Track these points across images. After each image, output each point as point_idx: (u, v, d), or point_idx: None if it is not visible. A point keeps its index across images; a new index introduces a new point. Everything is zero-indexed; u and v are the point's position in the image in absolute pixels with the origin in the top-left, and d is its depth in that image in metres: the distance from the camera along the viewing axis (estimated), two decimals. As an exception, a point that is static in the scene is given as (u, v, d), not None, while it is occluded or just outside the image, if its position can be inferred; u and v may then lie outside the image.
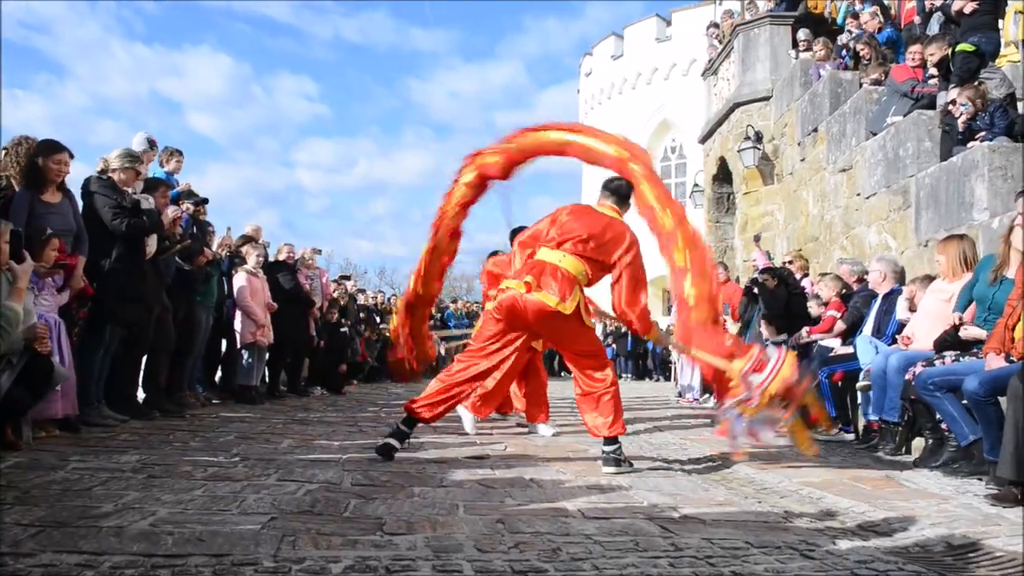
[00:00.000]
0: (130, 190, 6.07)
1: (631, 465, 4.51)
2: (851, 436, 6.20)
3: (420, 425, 4.65)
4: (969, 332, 4.65)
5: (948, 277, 5.26)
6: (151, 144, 7.28)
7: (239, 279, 8.48)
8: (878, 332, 6.05)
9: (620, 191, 4.83)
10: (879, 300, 6.24)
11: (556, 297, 4.36)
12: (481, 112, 78.98)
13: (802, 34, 11.49)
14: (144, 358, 6.58)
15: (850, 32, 10.73)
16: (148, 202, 6.18)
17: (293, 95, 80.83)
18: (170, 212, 6.57)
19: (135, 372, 6.51)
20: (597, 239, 4.54)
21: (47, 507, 2.97)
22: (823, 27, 11.79)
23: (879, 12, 9.92)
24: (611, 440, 4.48)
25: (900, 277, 6.42)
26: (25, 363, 4.14)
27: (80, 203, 5.73)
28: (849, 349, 6.27)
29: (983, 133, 6.21)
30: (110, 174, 5.95)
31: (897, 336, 5.57)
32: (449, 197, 5.65)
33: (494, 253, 7.19)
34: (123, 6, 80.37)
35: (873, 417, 5.58)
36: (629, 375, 21.68)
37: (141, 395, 6.72)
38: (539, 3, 77.46)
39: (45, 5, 74.43)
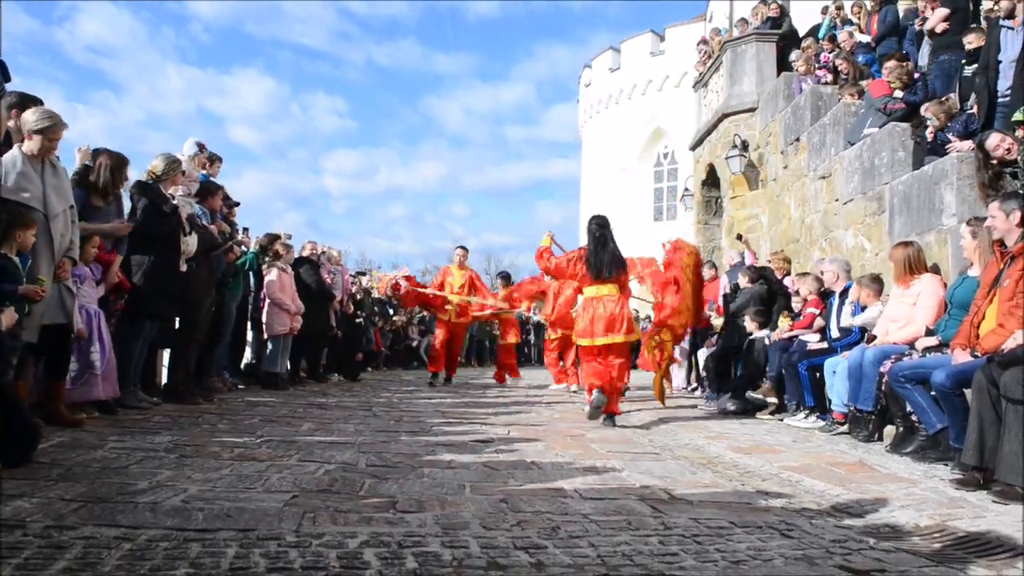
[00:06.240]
0: (179, 191, 6.08)
1: None
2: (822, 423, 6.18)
3: (444, 413, 4.62)
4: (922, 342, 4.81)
5: (896, 281, 5.31)
6: (200, 148, 7.26)
7: (271, 274, 8.49)
8: (841, 325, 6.19)
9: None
10: (836, 297, 6.39)
11: None
12: (492, 126, 79.87)
13: (794, 55, 11.46)
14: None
15: (825, 48, 10.75)
16: (191, 207, 6.18)
17: (326, 112, 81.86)
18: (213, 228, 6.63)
19: (179, 360, 6.51)
20: None
21: (88, 483, 2.99)
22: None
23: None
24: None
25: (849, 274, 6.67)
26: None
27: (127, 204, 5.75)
28: (825, 344, 6.30)
29: (955, 139, 6.27)
30: (157, 180, 5.91)
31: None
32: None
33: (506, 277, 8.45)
34: (181, 34, 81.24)
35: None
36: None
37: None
38: (551, 34, 78.09)
39: (114, 33, 75.27)
